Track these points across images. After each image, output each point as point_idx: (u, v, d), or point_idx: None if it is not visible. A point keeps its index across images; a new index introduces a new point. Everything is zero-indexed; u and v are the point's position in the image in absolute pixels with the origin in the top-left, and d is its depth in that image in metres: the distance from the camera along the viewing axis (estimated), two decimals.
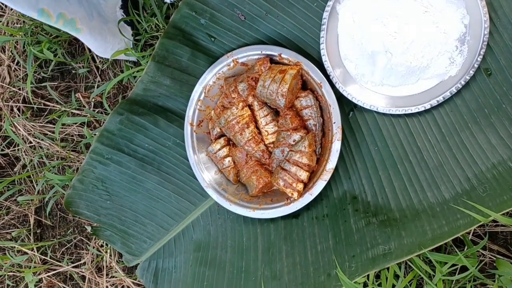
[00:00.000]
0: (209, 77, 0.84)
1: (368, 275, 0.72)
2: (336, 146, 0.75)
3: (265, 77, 0.77)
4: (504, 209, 0.62)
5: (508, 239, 0.76)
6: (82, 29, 0.83)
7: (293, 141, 0.77)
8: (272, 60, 0.81)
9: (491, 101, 0.68)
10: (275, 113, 0.82)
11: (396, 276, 0.71)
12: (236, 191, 0.85)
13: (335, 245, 0.75)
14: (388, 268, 0.71)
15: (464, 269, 0.72)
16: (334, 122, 0.76)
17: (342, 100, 0.78)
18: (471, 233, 0.75)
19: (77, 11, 0.83)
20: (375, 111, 0.76)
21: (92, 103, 1.03)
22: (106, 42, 0.90)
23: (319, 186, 0.76)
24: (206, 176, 0.86)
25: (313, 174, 0.78)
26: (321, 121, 0.79)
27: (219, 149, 0.85)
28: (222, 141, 0.85)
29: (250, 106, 0.81)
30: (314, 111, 0.78)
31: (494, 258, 0.73)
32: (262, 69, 0.79)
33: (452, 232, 0.64)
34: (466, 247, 0.70)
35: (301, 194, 0.77)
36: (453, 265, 0.71)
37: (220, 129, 0.85)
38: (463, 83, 0.69)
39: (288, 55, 0.79)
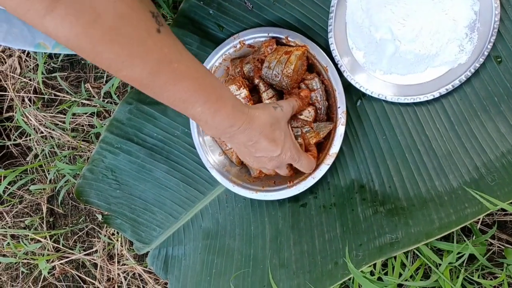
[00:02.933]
0: (215, 58, 0.84)
1: (375, 264, 0.72)
2: (340, 131, 0.75)
3: (270, 58, 0.77)
4: None
5: None
6: None
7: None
8: (278, 43, 0.80)
9: (501, 89, 0.68)
10: (280, 95, 0.81)
11: (403, 266, 0.72)
12: (240, 173, 0.85)
13: (343, 234, 0.75)
14: (395, 257, 0.71)
15: (472, 258, 0.72)
16: (339, 107, 0.75)
17: (350, 89, 0.77)
18: (479, 223, 0.75)
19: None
20: (384, 100, 0.76)
21: (102, 93, 1.04)
22: None
23: (322, 170, 0.76)
24: (210, 158, 0.86)
25: (316, 159, 0.78)
26: (326, 105, 0.78)
27: None
28: None
29: (255, 87, 0.81)
30: (320, 95, 0.77)
31: (503, 247, 0.73)
32: (268, 50, 0.79)
33: (460, 221, 0.64)
34: (474, 237, 0.70)
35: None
36: (462, 255, 0.71)
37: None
38: (472, 71, 0.68)
39: (294, 38, 0.79)
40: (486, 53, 0.67)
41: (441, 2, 0.70)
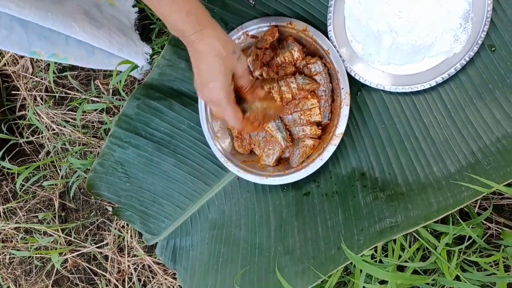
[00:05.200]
0: None
1: (376, 248, 0.74)
2: (344, 111, 0.78)
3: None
4: (508, 180, 0.63)
5: None
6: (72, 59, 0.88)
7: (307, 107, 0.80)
8: (279, 33, 0.83)
9: (495, 76, 0.70)
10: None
11: (403, 248, 0.74)
12: (248, 160, 0.88)
13: (345, 220, 0.78)
14: (395, 241, 0.74)
15: (472, 242, 0.74)
16: (343, 88, 0.78)
17: (349, 80, 0.80)
18: (477, 206, 0.77)
19: (74, 50, 0.87)
20: (382, 90, 0.78)
21: (111, 90, 1.07)
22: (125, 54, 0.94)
23: (329, 150, 0.78)
24: (219, 145, 0.88)
25: (322, 141, 0.81)
26: (330, 87, 0.81)
27: None
28: None
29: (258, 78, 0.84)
30: (323, 77, 0.80)
31: (500, 230, 0.75)
32: (270, 38, 0.82)
33: (457, 203, 0.66)
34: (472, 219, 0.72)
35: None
36: (461, 239, 0.73)
37: None
38: (467, 59, 0.71)
39: (296, 23, 0.81)
40: (480, 42, 0.70)
41: None
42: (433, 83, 0.74)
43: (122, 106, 0.94)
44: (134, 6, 0.94)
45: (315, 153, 0.81)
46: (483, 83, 0.71)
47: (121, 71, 1.00)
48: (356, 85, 0.81)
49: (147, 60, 0.95)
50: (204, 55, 0.63)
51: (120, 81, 0.94)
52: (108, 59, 0.91)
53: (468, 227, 0.68)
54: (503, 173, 0.65)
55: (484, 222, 0.76)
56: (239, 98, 0.70)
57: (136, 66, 0.96)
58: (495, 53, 0.70)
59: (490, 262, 0.71)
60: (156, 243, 1.02)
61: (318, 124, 0.82)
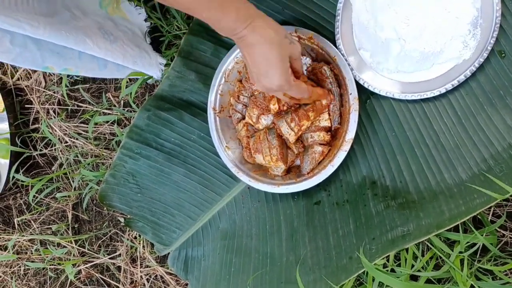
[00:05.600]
0: (228, 62, 0.88)
1: (388, 257, 0.74)
2: (354, 117, 0.77)
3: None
4: None
5: None
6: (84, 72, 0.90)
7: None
8: None
9: (506, 82, 0.69)
10: None
11: (415, 257, 0.73)
12: (258, 169, 0.88)
13: (356, 229, 0.77)
14: (407, 249, 0.73)
15: (486, 250, 0.73)
16: (351, 93, 0.78)
17: (358, 89, 0.80)
18: (490, 214, 0.76)
19: (85, 65, 0.88)
20: (391, 98, 0.78)
21: (122, 103, 1.09)
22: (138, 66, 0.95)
23: (340, 156, 0.78)
24: (229, 154, 0.89)
25: (333, 147, 0.81)
26: (339, 91, 0.81)
27: (242, 129, 0.89)
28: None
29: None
30: (330, 81, 0.80)
31: None
32: None
33: (469, 211, 0.65)
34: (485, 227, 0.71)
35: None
36: (475, 246, 0.72)
37: (241, 114, 0.89)
38: (477, 66, 0.70)
39: (301, 32, 0.82)
40: (489, 48, 0.69)
41: (443, 1, 0.72)
42: (442, 90, 0.73)
43: (133, 117, 0.95)
44: (145, 20, 0.96)
45: (326, 160, 0.81)
46: (493, 89, 0.70)
47: (131, 83, 1.02)
48: (365, 93, 0.81)
49: (162, 71, 0.97)
50: (258, 46, 0.63)
51: (131, 93, 0.95)
52: (120, 71, 0.93)
53: (482, 235, 0.67)
54: None
55: (498, 229, 0.75)
56: None
57: (149, 77, 0.97)
58: (505, 59, 0.70)
59: (505, 271, 0.70)
60: (168, 254, 1.02)
61: (327, 130, 0.82)
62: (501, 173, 0.66)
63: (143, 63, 0.91)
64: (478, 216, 0.74)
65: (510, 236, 0.73)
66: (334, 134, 0.82)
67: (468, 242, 0.67)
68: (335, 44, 0.81)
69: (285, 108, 0.82)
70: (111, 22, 0.83)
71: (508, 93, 0.69)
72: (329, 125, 0.81)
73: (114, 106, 1.08)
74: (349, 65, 0.79)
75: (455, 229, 0.70)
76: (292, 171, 0.87)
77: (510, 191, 0.60)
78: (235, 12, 0.61)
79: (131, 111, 1.07)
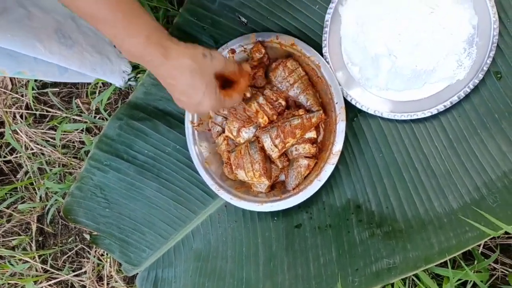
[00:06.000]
0: None
1: None
2: (341, 127, 0.73)
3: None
4: None
5: None
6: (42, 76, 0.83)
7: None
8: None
9: (502, 105, 0.65)
10: None
11: None
12: (239, 185, 0.82)
13: (338, 257, 0.72)
14: (392, 285, 0.68)
15: (475, 284, 0.68)
16: (337, 103, 0.73)
17: (346, 105, 0.75)
18: (481, 246, 0.71)
19: (43, 69, 0.81)
20: (380, 117, 0.73)
21: (94, 108, 1.02)
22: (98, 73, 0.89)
23: (327, 170, 0.73)
24: (208, 170, 0.83)
25: (319, 160, 0.76)
26: (312, 93, 0.77)
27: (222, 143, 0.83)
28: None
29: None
30: (294, 77, 0.76)
31: (507, 273, 0.69)
32: (257, 55, 0.77)
33: (460, 246, 0.61)
34: (476, 261, 0.66)
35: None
36: (465, 281, 0.67)
37: (221, 127, 0.84)
38: (471, 87, 0.66)
39: (283, 38, 0.77)
40: (485, 69, 0.65)
41: (438, 16, 0.68)
42: (434, 111, 0.69)
43: (104, 126, 0.88)
44: None
45: (312, 174, 0.76)
46: (488, 112, 0.66)
47: (105, 88, 0.95)
48: (352, 111, 0.76)
49: (124, 79, 0.90)
50: (178, 77, 0.59)
51: (102, 100, 0.89)
52: (86, 76, 0.86)
53: (472, 270, 0.62)
54: (510, 213, 0.60)
55: (490, 263, 0.70)
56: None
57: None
58: (501, 81, 0.65)
59: None
60: (137, 274, 0.95)
61: (313, 142, 0.76)
62: (495, 204, 0.62)
63: (104, 70, 0.84)
64: None
65: (502, 270, 0.69)
66: (321, 146, 0.77)
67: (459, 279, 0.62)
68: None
69: (275, 118, 0.76)
70: (72, 22, 0.76)
71: (503, 117, 0.65)
72: (315, 136, 0.76)
73: (83, 113, 1.00)
74: (335, 75, 0.74)
75: (444, 262, 0.65)
76: (277, 187, 0.81)
77: (503, 228, 0.55)
78: (145, 37, 0.55)
79: (103, 119, 1.00)
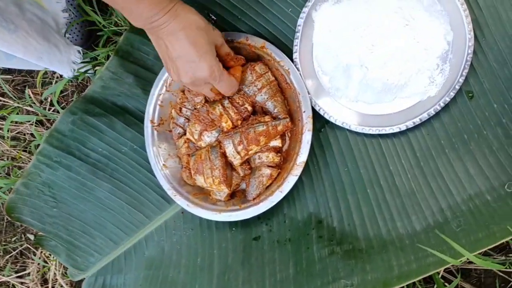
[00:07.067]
0: None
1: None
2: (307, 137, 0.69)
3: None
4: (479, 249, 0.56)
5: (482, 277, 0.70)
6: None
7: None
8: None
9: (472, 126, 0.63)
10: None
11: None
12: (198, 191, 0.78)
13: (296, 274, 0.68)
14: None
15: None
16: (304, 111, 0.70)
17: (314, 115, 0.71)
18: (442, 269, 0.69)
19: None
20: (348, 129, 0.70)
21: (48, 100, 0.95)
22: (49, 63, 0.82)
23: (290, 182, 0.69)
24: (166, 174, 0.78)
25: (283, 170, 0.72)
26: (280, 99, 0.73)
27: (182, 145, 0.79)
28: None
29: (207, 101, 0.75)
30: (262, 82, 0.72)
31: None
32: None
33: (421, 271, 0.58)
34: (435, 286, 0.64)
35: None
36: None
37: (183, 128, 0.79)
38: (442, 105, 0.64)
39: (253, 40, 0.74)
40: (457, 87, 0.63)
41: (412, 29, 0.65)
42: (403, 127, 0.66)
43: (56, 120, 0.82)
44: (65, 10, 0.82)
45: (274, 185, 0.72)
46: (457, 132, 0.64)
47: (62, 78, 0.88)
48: (320, 121, 0.73)
49: (74, 70, 0.83)
50: (184, 32, 0.58)
51: (55, 91, 0.82)
52: (32, 64, 0.80)
53: None
54: (474, 239, 0.58)
55: (447, 285, 0.68)
56: None
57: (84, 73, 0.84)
58: (472, 101, 0.63)
59: None
60: (83, 279, 0.89)
61: (277, 150, 0.73)
62: (459, 228, 0.60)
63: (51, 59, 0.78)
64: None
65: None
66: (285, 156, 0.73)
67: None
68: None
69: (239, 123, 0.72)
70: (15, 7, 0.70)
71: (472, 138, 0.63)
72: (280, 145, 0.72)
73: (34, 103, 0.93)
74: (304, 83, 0.71)
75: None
76: (237, 196, 0.77)
77: (465, 255, 0.53)
78: None
79: (58, 111, 0.94)
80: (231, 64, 0.69)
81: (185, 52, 0.59)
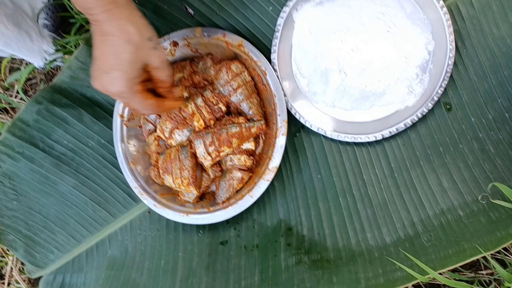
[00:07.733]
0: None
1: None
2: (280, 142, 0.67)
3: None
4: (448, 265, 0.55)
5: None
6: None
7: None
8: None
9: (448, 139, 0.62)
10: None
11: None
12: (166, 192, 0.75)
13: (261, 282, 0.66)
14: None
15: None
16: (279, 115, 0.67)
17: (289, 118, 0.69)
18: (410, 284, 0.67)
19: None
20: (323, 135, 0.68)
21: (15, 89, 0.90)
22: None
23: (261, 187, 0.67)
24: (133, 171, 0.75)
25: (254, 174, 0.70)
26: (257, 101, 0.71)
27: (152, 143, 0.75)
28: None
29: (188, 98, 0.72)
30: (238, 82, 0.69)
31: None
32: (178, 74, 0.71)
33: (388, 286, 0.56)
34: None
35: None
36: None
37: (153, 125, 0.76)
38: (419, 115, 0.62)
39: (230, 37, 0.71)
40: (436, 98, 0.62)
41: (394, 36, 0.63)
42: (379, 136, 0.64)
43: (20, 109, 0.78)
44: None
45: (244, 189, 0.70)
46: (433, 144, 0.63)
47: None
48: (295, 125, 0.71)
49: (45, 60, 0.79)
50: (111, 38, 0.52)
51: (20, 77, 0.78)
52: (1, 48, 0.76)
53: None
54: (444, 255, 0.56)
55: None
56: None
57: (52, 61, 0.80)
58: (450, 113, 0.62)
59: None
60: (41, 277, 0.85)
61: (250, 153, 0.70)
62: (429, 243, 0.58)
63: (20, 47, 0.74)
64: None
65: None
66: (258, 159, 0.71)
67: None
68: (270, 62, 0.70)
69: (212, 123, 0.69)
70: None
71: (448, 151, 0.62)
72: (253, 148, 0.70)
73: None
74: (281, 86, 0.69)
75: None
76: (206, 198, 0.74)
77: (431, 274, 0.51)
78: None
79: (24, 100, 0.89)
80: (162, 94, 0.62)
81: (102, 59, 0.54)
